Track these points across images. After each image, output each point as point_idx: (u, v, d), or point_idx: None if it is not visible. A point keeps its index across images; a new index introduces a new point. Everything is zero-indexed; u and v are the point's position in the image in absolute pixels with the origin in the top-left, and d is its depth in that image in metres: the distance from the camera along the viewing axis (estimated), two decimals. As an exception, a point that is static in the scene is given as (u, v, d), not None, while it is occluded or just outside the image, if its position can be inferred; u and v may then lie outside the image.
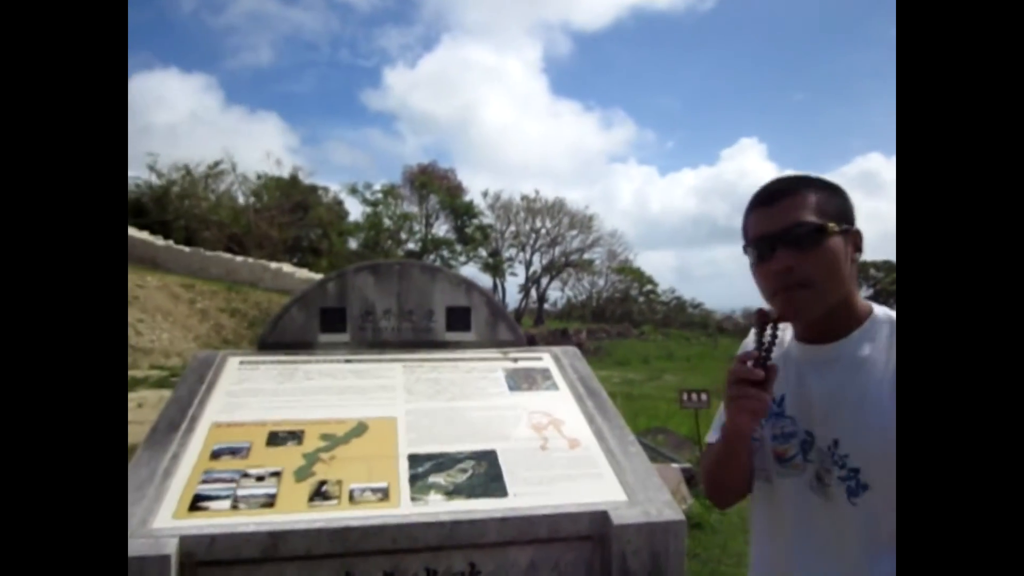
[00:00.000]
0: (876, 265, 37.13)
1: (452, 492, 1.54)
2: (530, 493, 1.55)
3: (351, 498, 1.50)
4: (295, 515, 1.44)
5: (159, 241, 23.02)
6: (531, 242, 39.03)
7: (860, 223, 1.27)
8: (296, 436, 1.70)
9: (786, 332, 1.35)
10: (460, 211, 34.81)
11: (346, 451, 1.66)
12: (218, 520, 1.41)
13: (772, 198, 1.23)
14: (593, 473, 1.65)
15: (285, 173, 30.39)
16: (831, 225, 1.17)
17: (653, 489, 1.61)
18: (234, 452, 1.63)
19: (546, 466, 1.65)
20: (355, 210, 33.50)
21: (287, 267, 23.19)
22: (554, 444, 1.75)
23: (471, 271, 35.01)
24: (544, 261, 39.61)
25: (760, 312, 1.23)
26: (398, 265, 2.28)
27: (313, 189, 31.27)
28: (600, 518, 1.50)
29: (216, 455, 1.62)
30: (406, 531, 1.43)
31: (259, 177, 29.84)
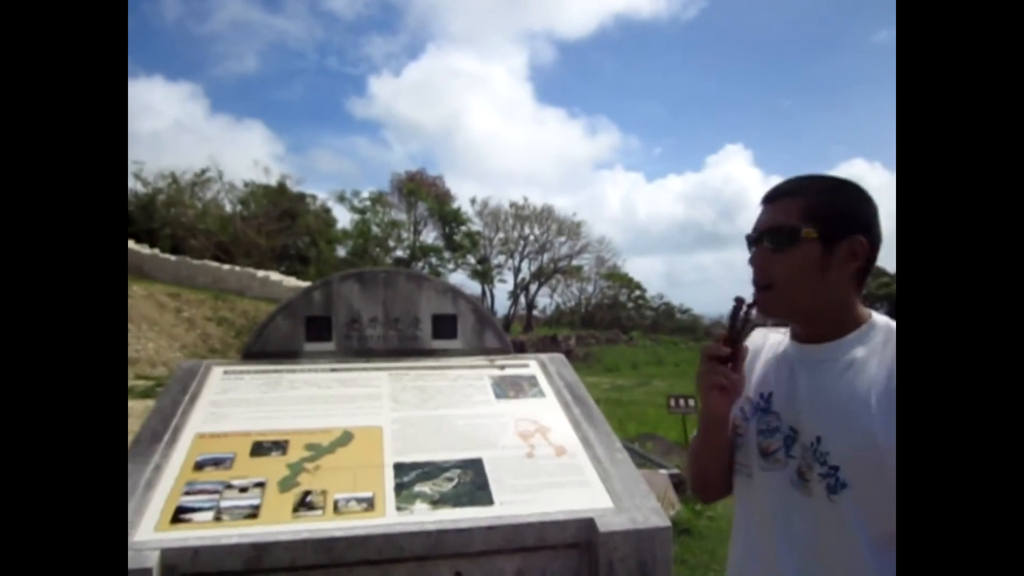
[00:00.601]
0: (862, 270, 37.36)
1: (438, 501, 1.53)
2: (516, 501, 1.55)
3: (336, 508, 1.49)
4: (279, 526, 1.42)
5: (145, 250, 22.86)
6: (520, 249, 39.12)
7: None
8: (281, 446, 1.68)
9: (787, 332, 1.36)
10: (448, 218, 34.81)
11: (331, 461, 1.65)
12: (201, 532, 1.39)
13: (772, 197, 1.27)
14: (580, 480, 1.65)
15: (273, 181, 30.33)
16: (806, 231, 1.19)
17: (640, 496, 1.61)
18: (217, 463, 1.61)
19: (532, 474, 1.65)
20: (343, 218, 33.48)
21: (275, 275, 23.07)
22: (541, 452, 1.74)
23: (460, 278, 35.04)
24: (533, 268, 39.70)
25: (737, 297, 1.28)
26: (384, 273, 2.27)
27: (301, 197, 31.17)
28: (587, 525, 1.50)
29: (199, 466, 1.60)
30: (392, 541, 1.42)
31: (246, 185, 29.77)
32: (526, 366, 2.21)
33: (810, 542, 1.20)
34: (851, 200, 1.22)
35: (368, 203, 32.59)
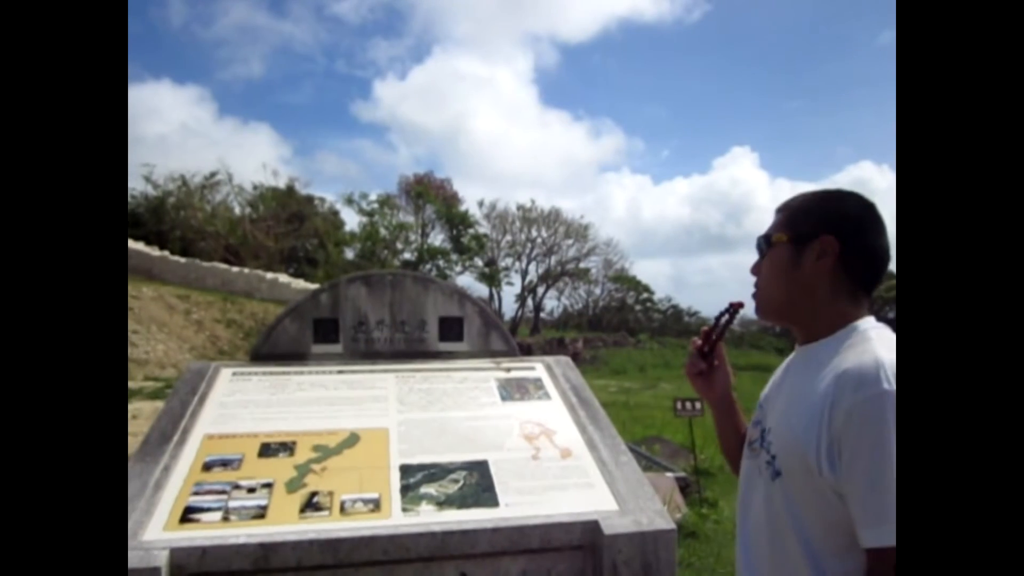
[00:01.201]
0: (871, 273, 37.15)
1: (444, 502, 1.54)
2: (522, 503, 1.56)
3: (342, 509, 1.50)
4: (286, 526, 1.44)
5: (155, 252, 22.97)
6: (527, 251, 39.11)
7: None
8: (288, 447, 1.70)
9: None
10: (456, 221, 34.84)
11: (338, 462, 1.66)
12: (209, 532, 1.41)
13: (776, 212, 1.40)
14: (585, 483, 1.66)
15: (281, 184, 30.45)
16: (777, 236, 1.32)
17: (644, 498, 1.62)
18: (226, 464, 1.63)
19: (538, 476, 1.66)
20: (351, 220, 33.59)
21: (283, 277, 23.15)
22: (546, 454, 1.75)
23: (467, 280, 35.00)
24: (540, 270, 39.66)
25: (731, 303, 1.49)
26: (391, 276, 2.29)
27: (309, 199, 31.26)
28: (591, 527, 1.51)
29: (208, 467, 1.62)
30: (397, 542, 1.43)
31: (255, 188, 29.88)
32: (532, 368, 2.22)
33: (758, 525, 1.27)
34: (823, 205, 1.32)
35: (376, 206, 32.66)
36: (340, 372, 2.11)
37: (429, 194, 34.08)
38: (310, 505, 1.50)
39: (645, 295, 44.17)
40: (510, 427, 1.86)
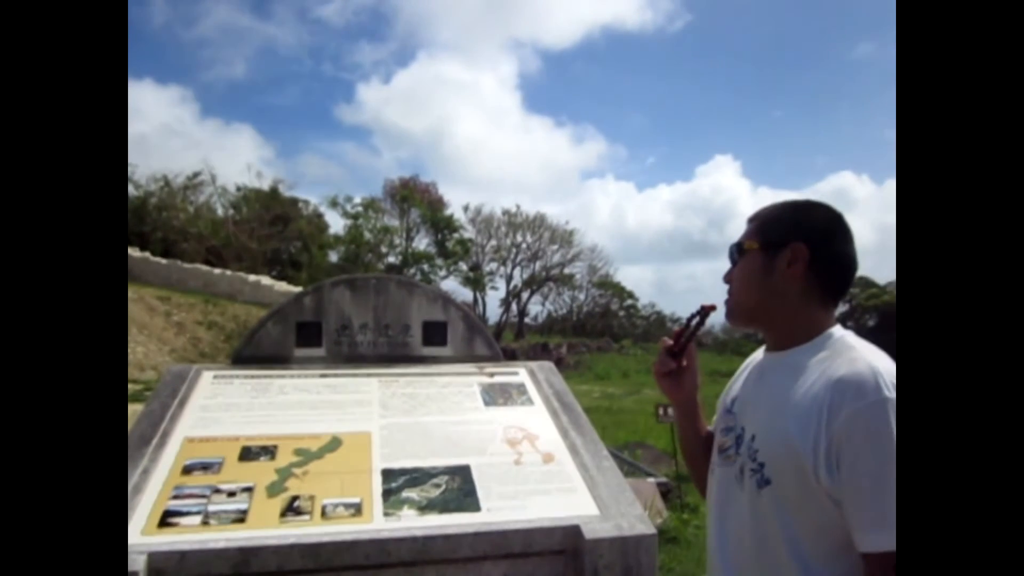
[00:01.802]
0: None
1: (425, 507, 1.54)
2: (503, 508, 1.56)
3: (324, 513, 1.49)
4: (267, 531, 1.43)
5: (136, 253, 22.71)
6: (512, 256, 39.10)
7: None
8: (269, 451, 1.69)
9: None
10: (441, 225, 34.78)
11: (320, 466, 1.65)
12: (188, 536, 1.40)
13: (748, 221, 1.43)
14: (566, 488, 1.66)
15: (265, 185, 30.26)
16: (748, 244, 1.36)
17: (626, 503, 1.63)
18: (206, 467, 1.62)
19: (520, 481, 1.66)
20: (335, 223, 33.39)
21: (266, 280, 22.99)
22: (528, 459, 1.76)
23: (452, 285, 34.91)
24: (525, 275, 39.68)
25: (702, 305, 1.51)
26: (375, 280, 2.29)
27: (293, 202, 31.08)
28: (573, 532, 1.51)
29: (188, 470, 1.61)
30: (379, 546, 1.43)
31: (239, 189, 29.67)
32: (515, 374, 2.23)
33: (740, 534, 1.28)
34: (793, 214, 1.36)
35: (360, 209, 32.54)
36: (323, 376, 2.10)
37: (414, 198, 34.01)
38: (291, 509, 1.50)
39: (629, 301, 44.36)
40: (493, 432, 1.86)
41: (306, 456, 1.68)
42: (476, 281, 36.47)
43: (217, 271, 22.88)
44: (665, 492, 6.58)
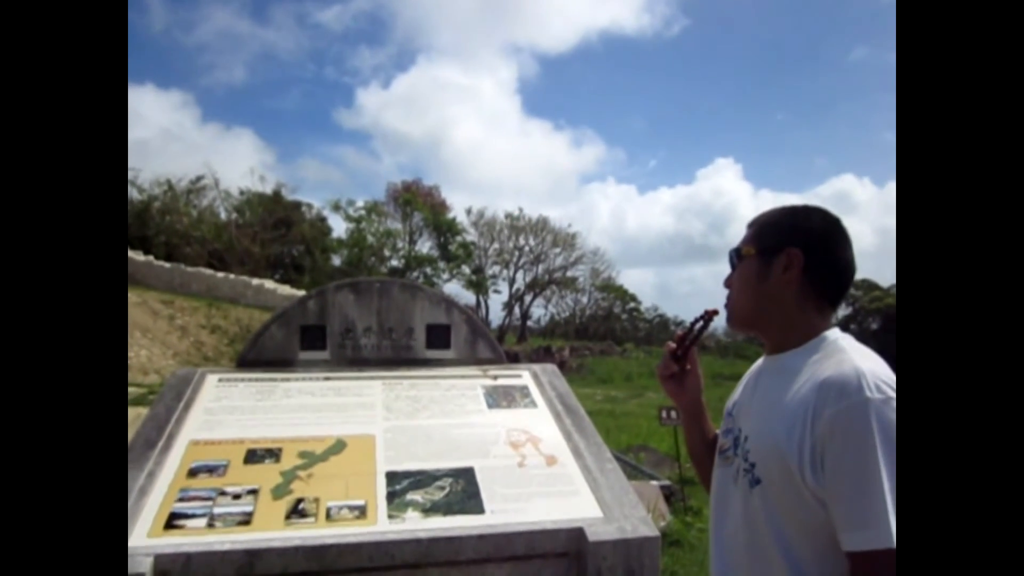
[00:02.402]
0: (855, 284, 37.51)
1: (429, 509, 1.55)
2: (507, 510, 1.57)
3: (328, 516, 1.50)
4: (272, 533, 1.44)
5: (139, 257, 22.79)
6: (515, 259, 39.09)
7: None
8: (274, 454, 1.70)
9: None
10: (444, 228, 34.80)
11: (324, 469, 1.66)
12: (194, 538, 1.41)
13: (747, 227, 1.45)
14: (570, 490, 1.67)
15: (268, 189, 30.33)
16: (746, 249, 1.38)
17: (629, 506, 1.63)
18: (211, 470, 1.63)
19: (523, 483, 1.67)
20: (338, 227, 33.44)
21: (269, 284, 23.03)
22: (531, 461, 1.76)
23: (454, 288, 34.93)
24: (528, 278, 39.67)
25: (706, 310, 1.54)
26: (378, 283, 2.30)
27: (296, 205, 31.14)
28: (576, 535, 1.52)
29: (193, 473, 1.61)
30: (383, 548, 1.44)
31: (242, 193, 29.74)
32: (518, 376, 2.24)
33: (735, 533, 1.30)
34: (790, 219, 1.37)
35: (363, 212, 32.59)
36: (327, 379, 2.11)
37: (417, 201, 34.04)
38: (296, 512, 1.50)
39: (632, 304, 44.33)
40: (496, 435, 1.87)
41: (310, 459, 1.69)
42: (479, 284, 36.47)
43: (220, 275, 22.92)
44: (668, 495, 6.57)
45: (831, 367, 1.18)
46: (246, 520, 1.47)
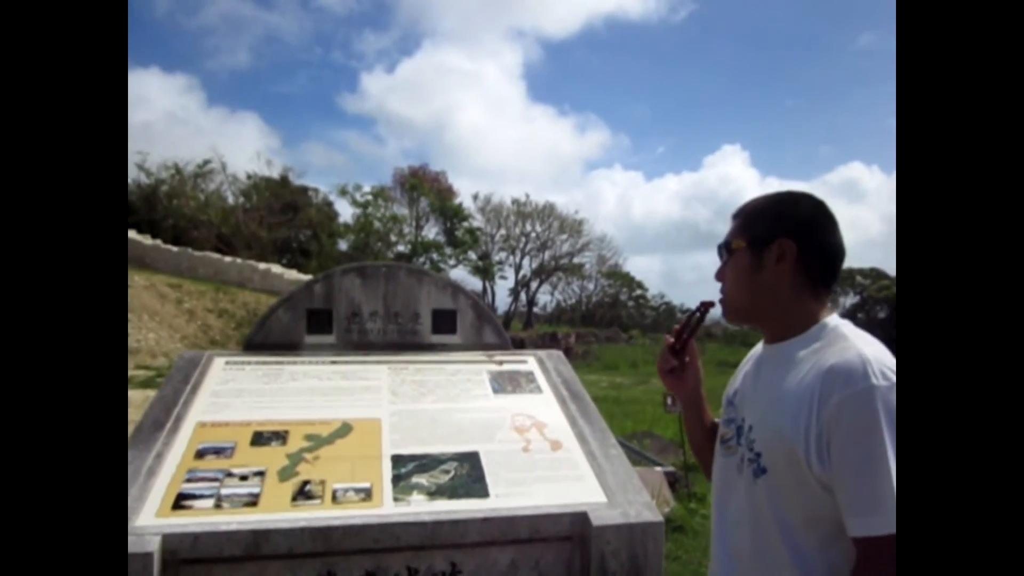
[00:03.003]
0: (863, 272, 37.35)
1: (434, 493, 1.56)
2: (511, 494, 1.57)
3: (334, 498, 1.51)
4: (278, 514, 1.45)
5: (147, 240, 22.86)
6: (521, 246, 39.04)
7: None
8: (280, 436, 1.71)
9: None
10: (450, 214, 34.74)
11: (330, 451, 1.67)
12: (201, 519, 1.42)
13: (732, 217, 1.44)
14: (574, 475, 1.67)
15: (275, 173, 30.32)
16: (735, 242, 1.37)
17: (633, 491, 1.64)
18: (218, 452, 1.64)
19: (528, 468, 1.68)
20: (345, 212, 33.41)
21: (276, 268, 23.08)
22: (536, 446, 1.77)
23: (461, 274, 34.89)
24: (534, 265, 39.64)
25: (702, 301, 1.53)
26: (385, 267, 2.30)
27: (303, 190, 31.12)
28: (580, 519, 1.53)
29: (200, 454, 1.63)
30: (388, 531, 1.45)
31: (249, 177, 29.74)
32: (524, 362, 2.24)
33: (739, 522, 1.30)
34: (777, 209, 1.35)
35: (370, 198, 32.55)
36: (333, 363, 2.12)
37: (423, 187, 33.98)
38: (302, 493, 1.52)
39: (638, 291, 44.26)
40: (501, 419, 1.88)
41: (317, 441, 1.70)
42: (485, 270, 36.45)
43: (228, 259, 22.97)
44: (672, 481, 6.59)
45: (835, 354, 1.17)
46: (253, 501, 1.48)
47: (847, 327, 1.26)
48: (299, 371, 2.05)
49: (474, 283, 35.45)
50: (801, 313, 1.30)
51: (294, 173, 31.18)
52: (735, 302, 1.39)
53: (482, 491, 1.57)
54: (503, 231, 38.82)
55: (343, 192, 32.01)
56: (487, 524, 1.49)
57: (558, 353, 2.34)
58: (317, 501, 1.50)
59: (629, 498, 1.60)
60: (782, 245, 1.29)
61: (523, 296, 39.83)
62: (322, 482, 1.55)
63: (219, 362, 2.07)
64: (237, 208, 28.41)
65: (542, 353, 2.32)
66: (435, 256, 33.42)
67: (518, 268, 39.29)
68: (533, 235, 39.18)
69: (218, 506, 1.46)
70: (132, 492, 1.48)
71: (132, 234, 22.46)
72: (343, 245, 31.04)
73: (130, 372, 12.18)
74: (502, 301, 38.91)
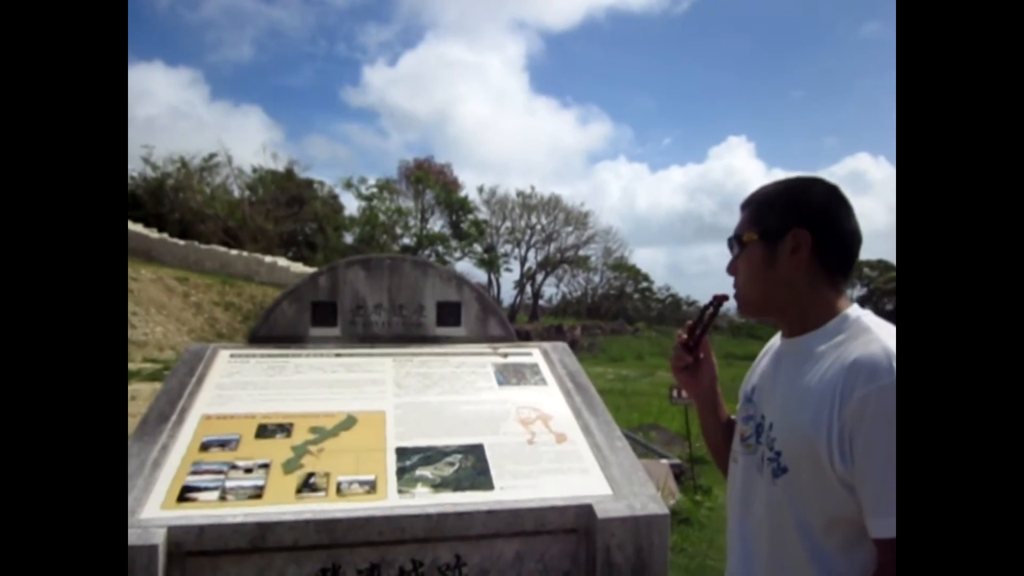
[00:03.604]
0: (870, 264, 37.21)
1: (439, 485, 1.55)
2: (516, 486, 1.57)
3: (339, 490, 1.51)
4: (283, 507, 1.45)
5: (154, 234, 22.96)
6: (526, 238, 39.04)
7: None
8: (285, 429, 1.71)
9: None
10: (456, 206, 34.74)
11: (335, 444, 1.67)
12: (206, 511, 1.42)
13: (741, 208, 1.38)
14: (579, 467, 1.67)
15: (281, 167, 30.37)
16: (747, 236, 1.31)
17: (638, 483, 1.63)
18: (223, 444, 1.64)
19: (533, 460, 1.67)
20: (350, 204, 33.50)
21: (282, 261, 23.14)
22: (541, 438, 1.76)
23: (466, 267, 34.97)
24: (539, 257, 39.64)
25: (715, 295, 1.49)
26: (389, 260, 2.29)
27: (308, 183, 31.18)
28: (585, 511, 1.52)
29: (205, 447, 1.63)
30: (393, 523, 1.45)
31: (255, 170, 29.80)
32: (529, 354, 2.23)
33: (760, 523, 1.26)
34: (789, 197, 1.29)
35: (375, 190, 32.57)
36: (338, 355, 2.12)
37: (429, 179, 33.96)
38: (307, 486, 1.52)
39: (644, 284, 44.20)
40: (506, 412, 1.87)
41: (321, 434, 1.70)
42: (490, 263, 36.46)
43: (234, 252, 23.05)
44: (678, 474, 6.59)
45: (859, 348, 1.12)
46: (258, 494, 1.48)
47: (869, 317, 1.21)
48: (304, 364, 2.05)
49: (479, 275, 35.52)
50: (820, 305, 1.25)
51: (299, 166, 31.25)
52: (750, 297, 1.34)
53: (487, 483, 1.57)
54: (508, 223, 38.83)
55: (348, 185, 32.09)
56: (492, 516, 1.49)
57: (563, 345, 2.34)
58: (322, 493, 1.50)
59: (634, 490, 1.60)
60: (796, 236, 1.23)
61: (528, 288, 39.84)
62: (327, 474, 1.55)
63: (224, 355, 2.07)
64: (243, 201, 28.48)
65: (547, 345, 2.32)
66: (440, 249, 33.47)
67: (523, 260, 39.31)
68: (538, 227, 39.18)
69: (223, 498, 1.46)
70: (137, 484, 1.48)
71: (139, 228, 22.56)
72: (349, 238, 31.09)
73: (137, 365, 12.25)
74: (507, 293, 38.97)
